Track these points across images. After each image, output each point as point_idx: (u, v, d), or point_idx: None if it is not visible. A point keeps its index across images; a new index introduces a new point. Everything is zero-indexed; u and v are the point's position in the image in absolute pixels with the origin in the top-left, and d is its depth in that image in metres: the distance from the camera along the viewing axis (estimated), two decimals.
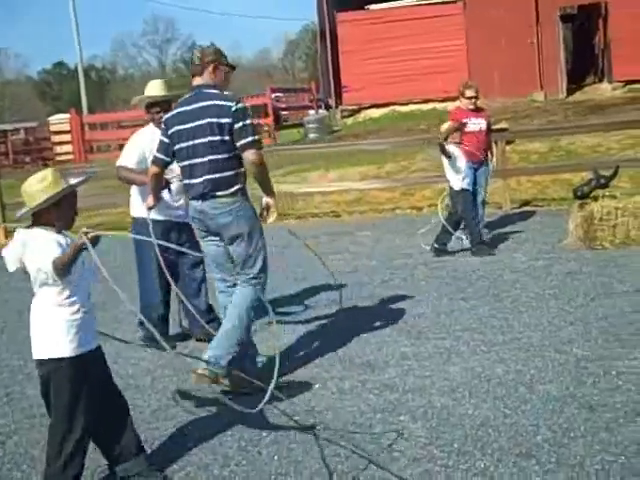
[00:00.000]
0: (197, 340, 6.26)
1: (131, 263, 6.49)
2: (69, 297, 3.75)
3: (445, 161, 8.72)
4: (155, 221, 5.82)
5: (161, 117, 6.10)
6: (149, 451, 4.26)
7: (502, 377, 4.96)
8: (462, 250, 8.78)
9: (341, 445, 4.20)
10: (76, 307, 3.77)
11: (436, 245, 8.82)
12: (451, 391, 4.81)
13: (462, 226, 8.89)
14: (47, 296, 3.75)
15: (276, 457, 4.14)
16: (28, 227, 3.79)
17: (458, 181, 8.66)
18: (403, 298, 7.09)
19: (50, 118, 33.81)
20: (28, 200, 3.77)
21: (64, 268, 3.64)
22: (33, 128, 33.02)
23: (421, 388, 4.91)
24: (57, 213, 3.77)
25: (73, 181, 3.88)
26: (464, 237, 8.89)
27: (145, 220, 5.52)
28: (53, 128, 30.29)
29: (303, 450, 4.20)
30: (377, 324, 6.37)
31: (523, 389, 4.73)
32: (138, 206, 6.16)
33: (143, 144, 6.14)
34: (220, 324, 6.08)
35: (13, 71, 71.33)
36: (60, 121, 30.76)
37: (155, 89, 6.24)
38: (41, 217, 3.76)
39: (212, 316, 6.22)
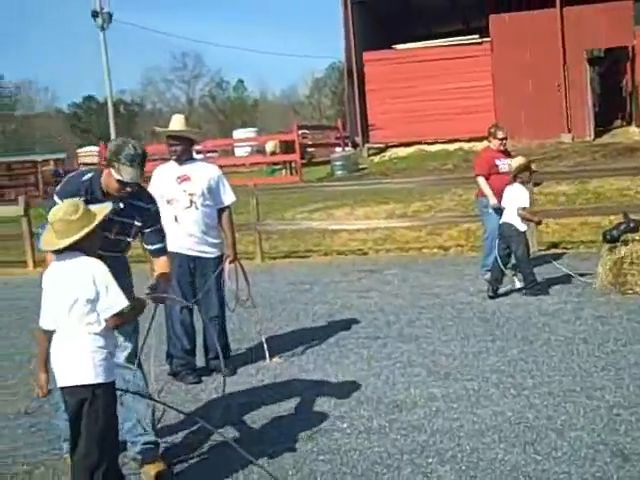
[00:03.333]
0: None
1: None
2: (106, 328, 3.85)
3: (511, 202, 8.62)
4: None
5: (176, 150, 6.22)
6: None
7: (532, 422, 4.89)
8: (513, 290, 8.70)
9: None
10: (110, 338, 3.90)
11: (491, 288, 8.55)
12: (480, 434, 4.75)
13: (510, 265, 8.79)
14: (83, 325, 3.79)
15: None
16: (60, 252, 3.84)
17: (522, 223, 8.61)
18: (431, 338, 7.05)
19: (79, 150, 34.28)
20: (64, 229, 3.81)
21: (127, 321, 4.01)
22: (62, 160, 33.47)
23: (449, 430, 4.85)
24: (91, 241, 3.87)
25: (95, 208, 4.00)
26: (516, 279, 8.80)
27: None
28: (82, 160, 30.76)
29: None
30: (405, 364, 6.33)
31: (554, 435, 4.66)
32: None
33: (156, 184, 6.32)
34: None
35: (43, 104, 72.77)
36: (89, 153, 31.23)
37: (175, 123, 6.32)
38: (77, 244, 3.85)
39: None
